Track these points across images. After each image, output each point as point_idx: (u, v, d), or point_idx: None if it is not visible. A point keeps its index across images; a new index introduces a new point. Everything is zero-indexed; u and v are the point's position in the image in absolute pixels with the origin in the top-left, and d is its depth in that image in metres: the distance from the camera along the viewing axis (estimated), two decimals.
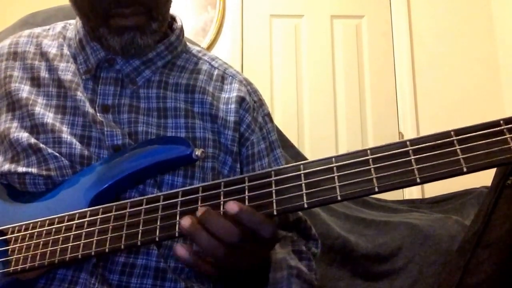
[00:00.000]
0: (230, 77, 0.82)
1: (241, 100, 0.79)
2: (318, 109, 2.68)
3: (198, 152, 0.64)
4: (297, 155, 1.44)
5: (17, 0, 2.69)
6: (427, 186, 2.51)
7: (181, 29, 0.83)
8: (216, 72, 0.82)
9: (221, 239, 0.52)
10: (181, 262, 0.56)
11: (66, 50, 0.80)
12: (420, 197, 2.38)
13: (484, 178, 1.29)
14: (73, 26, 0.82)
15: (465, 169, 0.46)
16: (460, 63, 2.71)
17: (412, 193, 2.48)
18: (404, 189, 2.51)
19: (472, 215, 0.97)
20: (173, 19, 0.84)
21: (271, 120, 0.86)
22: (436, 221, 1.29)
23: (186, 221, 0.53)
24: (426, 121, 2.66)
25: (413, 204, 1.66)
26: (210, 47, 2.67)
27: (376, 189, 0.49)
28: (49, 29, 0.85)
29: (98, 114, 0.73)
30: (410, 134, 2.63)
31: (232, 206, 0.52)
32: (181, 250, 0.54)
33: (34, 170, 0.70)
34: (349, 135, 2.66)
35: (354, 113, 2.68)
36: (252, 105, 0.81)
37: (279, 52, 2.74)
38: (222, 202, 0.55)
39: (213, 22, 2.72)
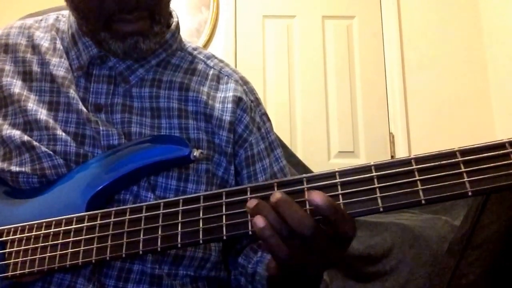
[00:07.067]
0: (226, 77, 0.80)
1: (238, 100, 0.77)
2: (310, 109, 2.69)
3: (196, 153, 0.63)
4: (290, 157, 1.44)
5: (16, 0, 2.66)
6: None
7: (177, 26, 0.81)
8: (211, 72, 0.80)
9: (293, 229, 0.49)
10: (257, 232, 0.50)
11: (59, 44, 0.77)
12: None
13: None
14: (66, 18, 0.80)
15: (470, 193, 0.46)
16: (450, 64, 2.73)
17: None
18: None
19: (462, 215, 0.99)
20: (170, 14, 0.81)
21: (269, 119, 0.84)
22: (426, 222, 1.29)
23: (252, 202, 0.50)
24: (416, 121, 2.68)
25: None
26: (204, 47, 2.65)
27: (381, 209, 0.48)
28: (41, 20, 0.82)
29: (91, 114, 0.71)
30: (400, 134, 2.66)
31: (316, 196, 0.48)
32: (259, 219, 0.50)
33: (27, 169, 0.68)
34: (340, 135, 2.67)
35: (346, 114, 2.69)
36: (249, 105, 0.79)
37: (272, 52, 2.75)
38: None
39: (207, 23, 2.72)
